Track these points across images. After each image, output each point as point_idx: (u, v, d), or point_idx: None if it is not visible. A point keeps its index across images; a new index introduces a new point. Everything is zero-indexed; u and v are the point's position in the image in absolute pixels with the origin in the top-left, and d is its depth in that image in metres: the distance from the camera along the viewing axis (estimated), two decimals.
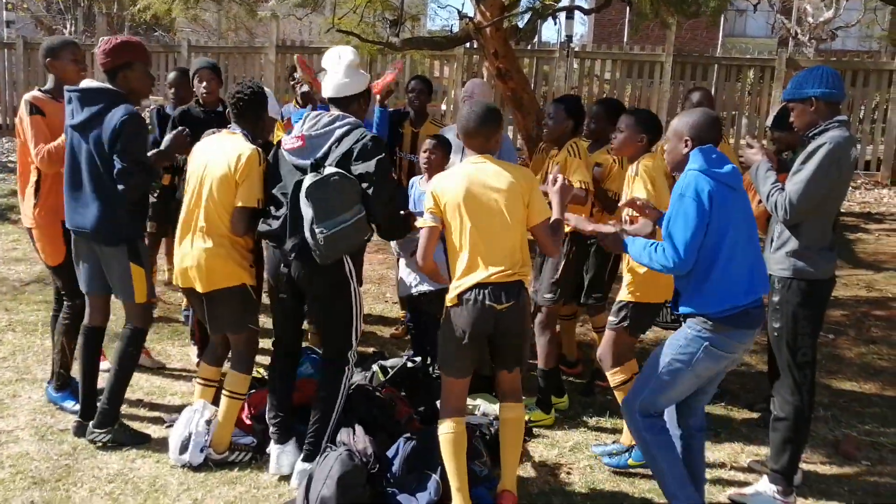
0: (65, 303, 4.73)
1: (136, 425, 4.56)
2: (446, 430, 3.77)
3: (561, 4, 8.73)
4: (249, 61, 14.27)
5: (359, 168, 3.85)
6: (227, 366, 4.38)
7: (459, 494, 3.73)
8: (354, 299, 4.03)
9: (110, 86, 4.19)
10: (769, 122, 5.36)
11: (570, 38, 13.98)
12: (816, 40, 21.07)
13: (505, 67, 7.93)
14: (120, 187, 4.10)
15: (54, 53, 4.58)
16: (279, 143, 4.13)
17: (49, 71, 4.65)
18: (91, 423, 4.34)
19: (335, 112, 4.02)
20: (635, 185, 4.19)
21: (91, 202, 4.18)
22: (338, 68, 4.04)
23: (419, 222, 3.84)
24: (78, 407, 4.55)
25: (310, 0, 8.57)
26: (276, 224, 3.96)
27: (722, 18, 21.80)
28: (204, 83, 5.49)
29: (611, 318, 4.28)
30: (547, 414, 4.86)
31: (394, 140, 6.14)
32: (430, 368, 5.08)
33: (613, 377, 4.33)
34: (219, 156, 4.07)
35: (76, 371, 4.54)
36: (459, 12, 8.35)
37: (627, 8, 13.32)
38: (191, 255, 4.10)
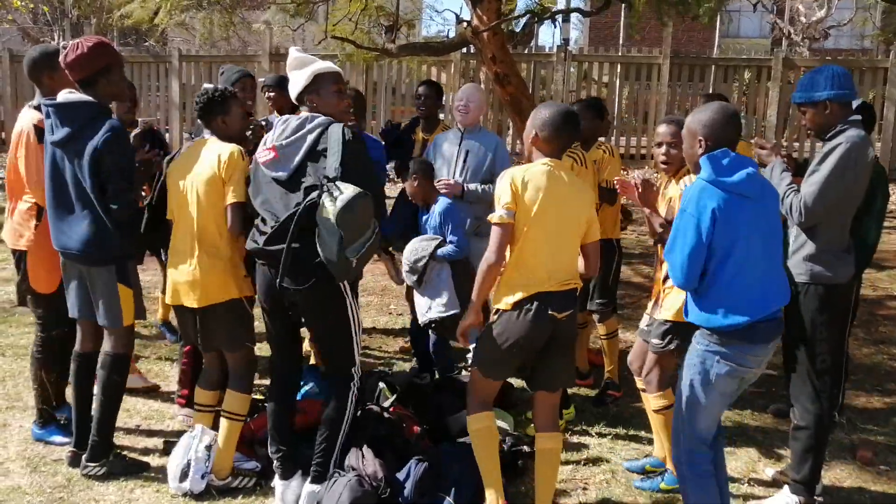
0: (38, 334, 4.50)
1: (133, 453, 4.38)
2: (477, 426, 3.68)
3: (558, 7, 8.61)
4: None
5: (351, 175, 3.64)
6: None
7: (493, 491, 3.64)
8: (351, 313, 3.85)
9: (89, 97, 3.93)
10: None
11: (567, 41, 13.95)
12: (809, 39, 21.14)
13: (503, 72, 7.80)
14: (114, 208, 3.90)
15: (53, 65, 4.20)
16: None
17: (42, 86, 4.29)
18: (84, 457, 4.15)
19: (303, 114, 3.82)
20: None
21: (78, 221, 3.96)
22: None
23: (493, 217, 3.59)
24: (67, 440, 4.37)
25: (303, 9, 8.41)
26: (262, 240, 3.74)
27: (718, 19, 21.81)
28: (247, 93, 5.30)
29: (654, 342, 4.04)
30: (566, 408, 4.79)
31: (406, 148, 5.97)
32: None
33: (657, 401, 4.12)
34: (199, 163, 3.96)
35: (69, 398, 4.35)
36: (457, 16, 8.22)
37: (622, 10, 13.27)
38: (184, 270, 3.94)
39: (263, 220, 3.79)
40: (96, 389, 4.16)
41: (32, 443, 4.51)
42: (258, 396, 4.81)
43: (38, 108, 4.27)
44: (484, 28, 7.42)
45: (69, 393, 4.54)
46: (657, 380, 4.11)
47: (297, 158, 3.72)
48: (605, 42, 21.10)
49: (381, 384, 4.78)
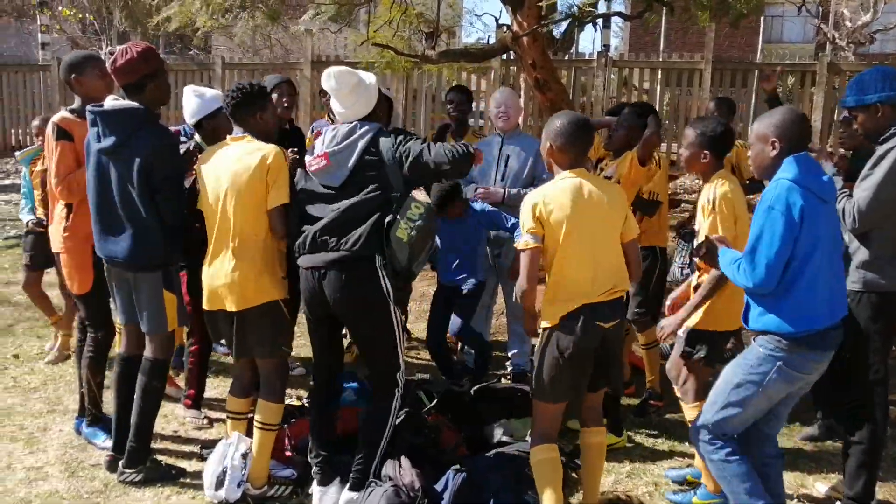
0: (88, 334, 4.52)
1: (169, 458, 4.38)
2: (540, 457, 3.61)
3: (600, 11, 8.51)
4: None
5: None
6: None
7: None
8: (394, 318, 3.80)
9: (135, 103, 3.95)
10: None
11: (607, 47, 13.79)
12: (854, 44, 20.73)
13: (543, 78, 7.73)
14: (165, 214, 3.93)
15: (79, 69, 4.31)
16: (303, 164, 3.92)
17: (74, 89, 4.37)
18: (121, 463, 4.14)
19: (352, 122, 3.81)
20: (717, 222, 3.78)
21: (124, 229, 3.96)
22: (338, 95, 3.80)
23: (518, 244, 3.59)
24: (108, 443, 4.38)
25: (343, 14, 8.41)
26: (310, 247, 3.75)
27: (761, 24, 21.51)
28: (285, 98, 5.34)
29: (686, 349, 3.97)
30: (619, 437, 4.64)
31: None
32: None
33: (693, 411, 3.98)
34: (236, 165, 3.84)
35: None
36: (497, 21, 8.17)
37: (663, 15, 13.11)
38: (222, 273, 3.87)
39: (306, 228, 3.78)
40: (136, 395, 4.14)
41: (71, 447, 4.52)
42: (296, 402, 4.78)
43: (73, 111, 4.32)
44: (524, 33, 7.35)
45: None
46: (693, 389, 4.02)
47: (350, 164, 3.70)
48: (645, 48, 20.94)
49: (419, 392, 4.72)
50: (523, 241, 3.53)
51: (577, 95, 13.00)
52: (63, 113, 4.36)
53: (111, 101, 3.99)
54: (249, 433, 4.08)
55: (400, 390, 3.87)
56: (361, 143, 3.71)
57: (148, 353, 4.15)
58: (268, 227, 3.87)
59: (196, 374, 4.95)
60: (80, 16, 18.27)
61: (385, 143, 3.72)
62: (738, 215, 3.78)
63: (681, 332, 4.03)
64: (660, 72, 13.26)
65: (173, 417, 4.96)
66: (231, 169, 3.85)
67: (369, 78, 3.89)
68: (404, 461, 3.79)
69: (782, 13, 26.41)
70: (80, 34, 20.43)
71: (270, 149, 3.85)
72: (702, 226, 3.85)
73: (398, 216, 3.63)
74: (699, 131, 3.93)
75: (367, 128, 3.76)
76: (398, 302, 3.82)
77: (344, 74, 3.80)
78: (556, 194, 3.51)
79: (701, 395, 3.98)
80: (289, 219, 3.86)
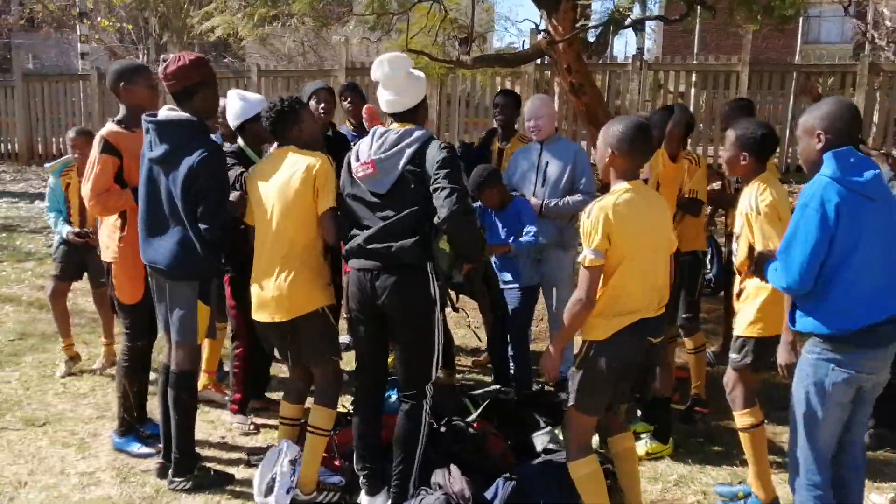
0: (125, 343, 4.54)
1: (218, 464, 4.40)
2: (581, 473, 3.57)
3: (637, 15, 8.46)
4: None
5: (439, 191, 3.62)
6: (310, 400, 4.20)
7: None
8: (437, 327, 3.78)
9: (189, 115, 3.97)
10: None
11: (641, 50, 13.70)
12: (895, 44, 20.43)
13: (578, 82, 7.68)
14: (204, 227, 3.93)
15: (129, 78, 4.32)
16: (349, 166, 3.89)
17: (121, 98, 4.37)
18: (170, 472, 4.17)
19: (402, 127, 3.76)
20: (765, 226, 3.69)
21: (168, 237, 3.99)
22: (391, 81, 3.77)
23: (584, 261, 3.40)
24: (144, 450, 4.47)
25: (381, 23, 8.45)
26: (362, 243, 3.74)
27: (799, 25, 21.25)
28: (322, 104, 5.40)
29: (733, 356, 3.91)
30: (665, 444, 4.59)
31: (483, 158, 5.95)
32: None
33: (742, 419, 3.94)
34: (285, 174, 3.89)
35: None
36: (536, 26, 8.15)
37: (698, 16, 12.98)
38: (272, 284, 3.91)
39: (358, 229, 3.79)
40: (170, 409, 4.16)
41: (122, 453, 4.56)
42: (342, 409, 4.79)
43: (119, 122, 4.35)
44: (560, 38, 7.31)
45: (149, 408, 4.64)
46: (741, 397, 3.95)
47: (396, 171, 3.67)
48: (679, 51, 20.77)
49: (465, 399, 4.71)
50: (589, 258, 3.35)
51: (612, 99, 12.94)
52: (110, 126, 4.36)
53: (166, 112, 4.01)
54: (300, 440, 4.10)
55: (429, 402, 3.83)
56: (408, 152, 3.67)
57: (173, 365, 4.14)
58: (315, 234, 3.91)
59: (241, 378, 4.95)
60: (119, 25, 18.57)
61: (431, 153, 3.66)
62: (781, 215, 3.69)
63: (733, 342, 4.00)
64: (694, 74, 13.15)
65: (220, 423, 5.00)
66: (280, 179, 3.91)
67: (417, 71, 3.90)
68: (454, 469, 3.78)
69: (820, 13, 26.13)
70: (118, 44, 20.74)
71: (317, 156, 3.91)
72: (743, 232, 3.79)
73: (439, 228, 3.62)
74: (739, 133, 3.86)
75: (417, 135, 3.71)
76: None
77: (398, 58, 3.79)
78: (624, 209, 3.36)
79: (749, 402, 3.94)
80: (337, 222, 3.87)
